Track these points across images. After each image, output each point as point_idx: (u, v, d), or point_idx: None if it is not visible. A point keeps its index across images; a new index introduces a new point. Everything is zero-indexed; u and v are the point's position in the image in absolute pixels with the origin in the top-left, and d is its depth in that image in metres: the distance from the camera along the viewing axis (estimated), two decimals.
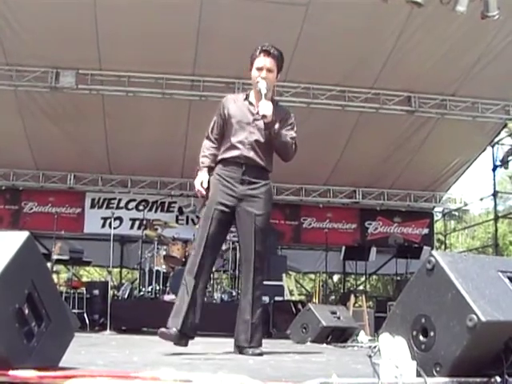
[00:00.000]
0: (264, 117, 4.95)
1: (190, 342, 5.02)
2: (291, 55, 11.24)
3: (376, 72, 11.77)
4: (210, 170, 5.24)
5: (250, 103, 5.24)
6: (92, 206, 15.51)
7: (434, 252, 2.82)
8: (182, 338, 4.91)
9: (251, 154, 5.10)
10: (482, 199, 17.38)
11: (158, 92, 11.67)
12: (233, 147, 5.14)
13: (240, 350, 5.03)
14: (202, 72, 11.53)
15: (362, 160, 14.13)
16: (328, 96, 12.16)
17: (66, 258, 12.17)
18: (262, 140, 5.12)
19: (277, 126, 5.05)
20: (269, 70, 5.15)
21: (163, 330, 4.88)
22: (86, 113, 12.50)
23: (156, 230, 12.32)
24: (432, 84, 11.99)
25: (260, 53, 5.17)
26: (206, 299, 11.22)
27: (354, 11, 10.10)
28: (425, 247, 13.93)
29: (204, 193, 5.16)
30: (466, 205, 17.60)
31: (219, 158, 5.22)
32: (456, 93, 12.37)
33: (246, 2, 10.11)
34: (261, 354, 4.88)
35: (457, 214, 19.49)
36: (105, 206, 15.47)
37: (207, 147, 5.32)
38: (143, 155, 13.65)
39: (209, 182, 5.16)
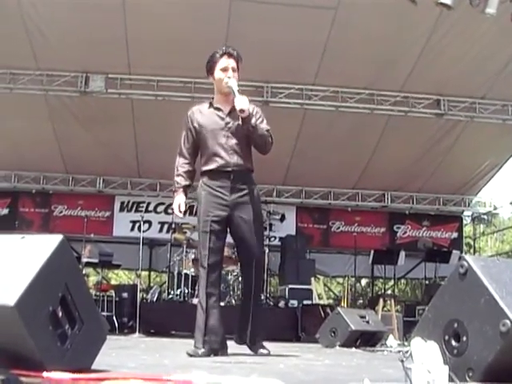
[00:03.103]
0: (242, 111, 5.01)
1: None
2: (320, 59, 11.26)
3: (405, 75, 11.71)
4: (186, 188, 5.38)
5: (217, 109, 5.29)
6: (121, 210, 15.58)
7: (466, 256, 2.80)
8: (210, 353, 4.98)
9: (235, 159, 5.16)
10: (511, 203, 17.19)
11: (187, 96, 11.69)
12: (215, 156, 5.19)
13: (244, 344, 5.34)
14: None
15: (390, 164, 14.06)
16: (357, 99, 12.11)
17: (95, 261, 12.28)
18: (239, 142, 5.18)
19: (253, 119, 5.12)
20: (233, 70, 5.21)
21: (190, 352, 4.92)
22: (115, 117, 12.56)
23: (185, 233, 12.33)
24: (461, 87, 11.91)
25: (221, 55, 5.22)
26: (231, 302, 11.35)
27: (382, 14, 10.06)
28: (454, 251, 13.84)
29: (182, 216, 5.37)
30: (495, 208, 17.43)
31: (203, 169, 5.28)
32: (485, 95, 12.26)
33: (274, 7, 10.11)
34: (269, 354, 5.18)
35: (486, 217, 19.29)
36: (134, 209, 15.53)
37: (180, 164, 5.42)
38: (172, 159, 13.47)
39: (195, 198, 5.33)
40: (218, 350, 5.06)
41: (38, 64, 11.34)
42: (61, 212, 15.44)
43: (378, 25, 10.34)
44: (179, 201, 5.33)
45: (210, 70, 5.30)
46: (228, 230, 5.27)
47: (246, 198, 5.18)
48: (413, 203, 15.90)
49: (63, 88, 11.68)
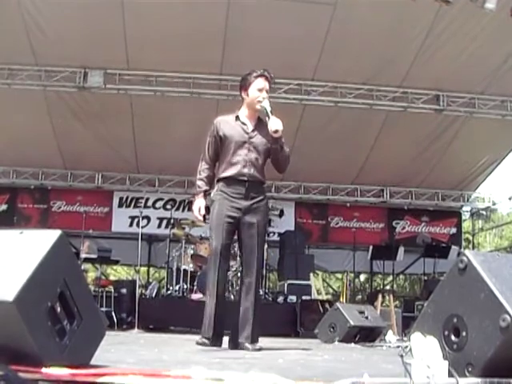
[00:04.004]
0: (276, 132, 5.44)
1: None
2: (319, 54, 11.24)
3: (404, 70, 11.69)
4: (206, 192, 5.73)
5: (243, 123, 5.66)
6: (120, 205, 15.57)
7: (466, 251, 2.80)
8: (218, 340, 5.37)
9: (252, 171, 5.53)
10: (510, 198, 17.19)
11: (186, 91, 11.70)
12: (234, 166, 5.54)
13: (239, 345, 5.42)
14: (229, 71, 11.48)
15: (389, 159, 14.05)
16: (356, 95, 12.10)
17: (94, 256, 12.27)
18: (258, 156, 5.56)
19: (283, 139, 5.54)
20: (267, 92, 5.64)
21: (199, 341, 5.30)
22: (113, 112, 12.55)
23: (183, 229, 12.32)
24: (460, 82, 11.90)
25: (258, 76, 5.63)
26: (230, 298, 11.35)
27: (381, 10, 10.05)
28: (453, 247, 13.85)
29: (202, 219, 5.73)
30: (494, 204, 17.44)
31: (220, 176, 5.63)
32: (485, 91, 12.25)
33: (272, 2, 10.10)
34: (260, 349, 5.33)
35: (485, 213, 19.30)
36: (132, 205, 15.51)
37: (203, 169, 5.79)
38: (171, 154, 13.67)
39: (207, 207, 5.66)
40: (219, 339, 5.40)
41: (37, 59, 11.32)
42: (59, 208, 15.42)
43: (376, 20, 10.33)
44: (199, 204, 5.68)
45: (244, 87, 5.68)
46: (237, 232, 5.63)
47: (257, 205, 5.55)
48: (412, 199, 15.90)
49: (62, 83, 11.66)
